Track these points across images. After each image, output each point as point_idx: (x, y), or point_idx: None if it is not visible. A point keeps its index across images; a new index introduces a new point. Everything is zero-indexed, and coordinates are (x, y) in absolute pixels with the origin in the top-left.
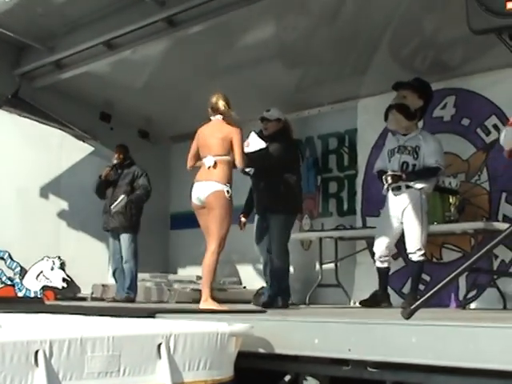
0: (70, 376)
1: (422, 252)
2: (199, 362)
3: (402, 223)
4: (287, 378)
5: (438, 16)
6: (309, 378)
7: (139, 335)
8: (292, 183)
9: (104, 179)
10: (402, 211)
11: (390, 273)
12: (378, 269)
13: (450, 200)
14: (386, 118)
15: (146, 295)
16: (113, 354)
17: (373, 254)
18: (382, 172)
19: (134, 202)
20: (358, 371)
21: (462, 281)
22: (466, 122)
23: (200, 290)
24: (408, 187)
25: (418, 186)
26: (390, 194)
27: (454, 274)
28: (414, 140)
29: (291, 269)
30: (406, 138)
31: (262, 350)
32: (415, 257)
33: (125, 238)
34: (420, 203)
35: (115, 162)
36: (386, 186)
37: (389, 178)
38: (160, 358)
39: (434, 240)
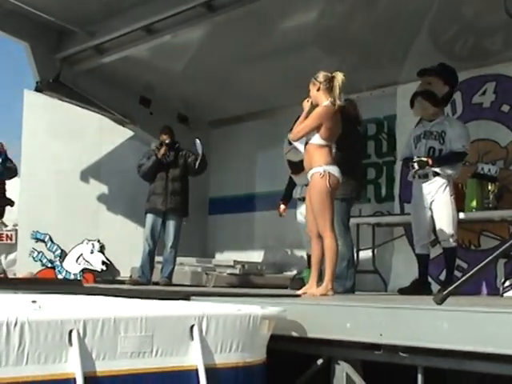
0: (103, 355)
1: (455, 238)
2: (231, 344)
3: (431, 210)
4: (319, 361)
5: (477, 1)
6: (341, 362)
7: (172, 316)
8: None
9: (160, 159)
10: (431, 198)
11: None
12: (418, 255)
13: (489, 187)
14: (411, 105)
15: (183, 279)
16: (146, 334)
17: (410, 241)
18: (408, 159)
19: (203, 161)
20: (390, 356)
21: (500, 269)
22: (505, 108)
23: (236, 275)
24: (436, 174)
25: (446, 172)
26: (418, 180)
27: (487, 260)
28: (440, 125)
29: None
30: (432, 123)
31: (294, 334)
32: (447, 243)
33: (175, 221)
34: (449, 189)
35: (167, 141)
36: (411, 173)
37: (415, 165)
38: (192, 339)
39: (472, 227)
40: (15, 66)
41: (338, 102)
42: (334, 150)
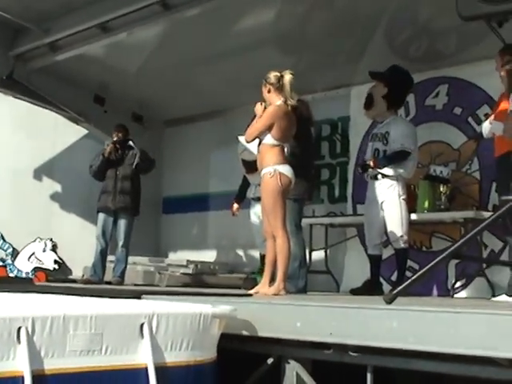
0: (52, 353)
1: (405, 239)
2: (182, 342)
3: (382, 210)
4: (270, 360)
5: (432, 4)
6: (291, 361)
7: (122, 314)
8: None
9: (107, 157)
10: (381, 199)
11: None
12: (370, 256)
13: (441, 189)
14: None
15: (135, 278)
16: (95, 332)
17: (363, 242)
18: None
19: (144, 160)
20: (340, 355)
21: (451, 270)
22: (458, 110)
23: (189, 274)
24: (384, 176)
25: (395, 172)
26: (370, 181)
27: (437, 260)
28: (386, 126)
29: None
30: (380, 125)
31: (245, 333)
32: (398, 244)
33: (125, 220)
34: (397, 190)
35: (115, 139)
36: (365, 174)
37: (359, 168)
38: (142, 337)
39: (423, 229)
40: None
41: (289, 101)
42: (286, 150)
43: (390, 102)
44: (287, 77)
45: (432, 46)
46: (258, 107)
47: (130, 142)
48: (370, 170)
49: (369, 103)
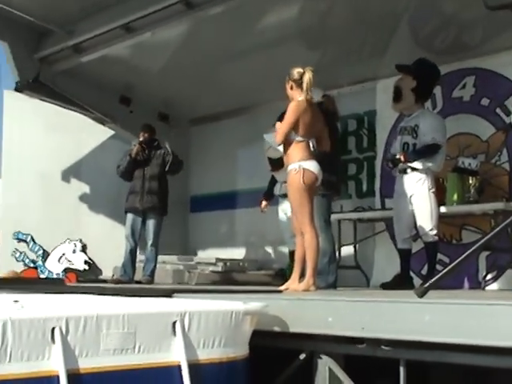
0: (85, 353)
1: (435, 232)
2: (214, 339)
3: (411, 204)
4: (302, 356)
5: None
6: (323, 357)
7: (154, 313)
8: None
9: (134, 158)
10: (410, 193)
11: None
12: (399, 250)
13: (470, 181)
14: None
15: (165, 277)
16: (128, 331)
17: (392, 236)
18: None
19: (175, 162)
20: (372, 349)
21: (482, 262)
22: (485, 101)
23: (218, 272)
24: (414, 169)
25: (424, 166)
26: (399, 175)
27: (468, 253)
28: (414, 119)
29: None
30: (408, 118)
31: (276, 329)
32: (428, 237)
33: (154, 220)
34: (427, 184)
35: (141, 139)
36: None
37: (389, 163)
38: (175, 335)
39: (453, 221)
40: None
41: (308, 97)
42: (312, 145)
43: (418, 95)
44: (307, 74)
45: (458, 37)
46: (278, 125)
47: (166, 145)
48: (400, 164)
49: (398, 96)
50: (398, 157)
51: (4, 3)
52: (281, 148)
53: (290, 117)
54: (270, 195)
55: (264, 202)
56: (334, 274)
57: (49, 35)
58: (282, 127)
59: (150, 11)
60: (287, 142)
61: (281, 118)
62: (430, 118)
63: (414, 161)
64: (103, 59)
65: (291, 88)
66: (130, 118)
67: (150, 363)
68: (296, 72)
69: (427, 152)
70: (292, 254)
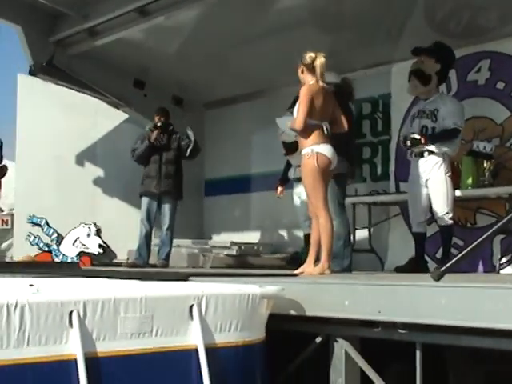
0: (103, 336)
1: (450, 215)
2: (231, 323)
3: (427, 187)
4: (318, 339)
5: None
6: (339, 340)
7: (171, 296)
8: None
9: (152, 143)
10: (426, 177)
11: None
12: (414, 234)
13: (485, 164)
14: None
15: (180, 261)
16: (145, 314)
17: (406, 220)
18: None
19: (195, 148)
20: (388, 333)
21: (496, 246)
22: (500, 85)
23: (233, 256)
24: (431, 152)
25: (441, 150)
26: (414, 159)
27: (484, 236)
28: (433, 103)
29: None
30: (426, 102)
31: (293, 312)
32: (443, 221)
33: (170, 204)
34: (443, 168)
35: (159, 124)
36: (409, 151)
37: (408, 142)
38: (192, 319)
39: (468, 205)
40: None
41: (320, 83)
42: (325, 128)
43: (440, 79)
44: (319, 59)
45: (472, 20)
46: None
47: (189, 131)
48: (418, 146)
49: (427, 80)
50: (418, 138)
51: None
52: (293, 133)
53: (303, 101)
54: (286, 180)
55: (280, 188)
56: (349, 258)
57: (63, 18)
58: (299, 114)
59: None
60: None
61: (294, 103)
62: (451, 103)
63: (433, 144)
64: (117, 42)
65: (302, 72)
66: (144, 101)
67: (168, 347)
68: (308, 57)
69: (448, 136)
70: (307, 237)
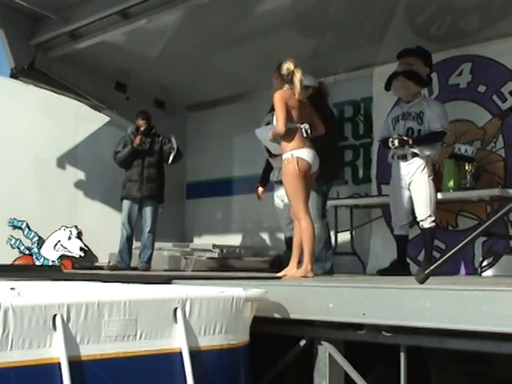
0: (87, 340)
1: (433, 218)
2: (215, 326)
3: (409, 190)
4: (302, 342)
5: None
6: (324, 343)
7: (155, 299)
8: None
9: (136, 147)
10: (409, 179)
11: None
12: (396, 237)
13: (466, 167)
14: (387, 87)
15: (162, 264)
16: (129, 318)
17: (388, 222)
18: (386, 140)
19: (177, 155)
20: (373, 335)
21: (478, 249)
22: (482, 88)
23: (215, 258)
24: (414, 155)
25: (425, 153)
26: (396, 161)
27: (468, 239)
28: (418, 106)
29: None
30: (409, 104)
31: (277, 315)
32: (426, 224)
33: (151, 207)
34: (427, 170)
35: (142, 128)
36: (391, 154)
37: (396, 142)
38: (176, 322)
39: (449, 207)
40: None
41: (297, 96)
42: (304, 131)
43: (428, 82)
44: (298, 75)
45: (454, 23)
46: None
47: (172, 138)
48: (399, 148)
49: (418, 80)
50: (405, 138)
51: None
52: (273, 144)
53: (279, 107)
54: (266, 181)
55: (260, 189)
56: (331, 261)
57: (44, 21)
58: (278, 120)
59: None
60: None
61: (272, 108)
62: (436, 106)
63: (421, 145)
64: (99, 45)
65: (276, 78)
66: (126, 104)
67: (152, 350)
68: (285, 68)
69: (435, 139)
70: (288, 240)
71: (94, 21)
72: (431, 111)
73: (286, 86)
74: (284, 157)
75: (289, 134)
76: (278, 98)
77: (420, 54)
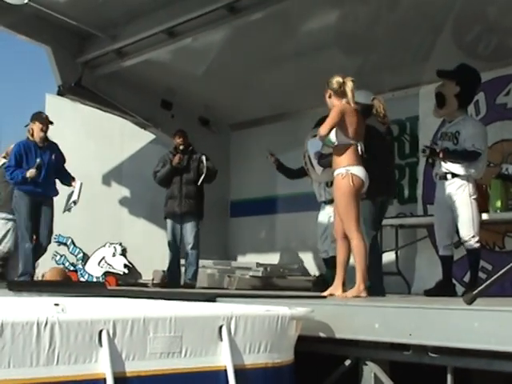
0: (132, 356)
1: (477, 239)
2: (260, 344)
3: (452, 211)
4: (347, 362)
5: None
6: (369, 363)
7: (201, 317)
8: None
9: (175, 166)
10: (451, 200)
11: None
12: (441, 257)
13: None
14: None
15: (205, 282)
16: (175, 334)
17: (433, 242)
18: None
19: (211, 174)
20: (419, 356)
21: None
22: None
23: (258, 277)
24: (454, 176)
25: (464, 172)
26: (439, 181)
27: None
28: (455, 126)
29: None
30: (449, 124)
31: (322, 334)
32: (470, 244)
33: (192, 224)
34: (468, 190)
35: (181, 147)
36: (434, 173)
37: (427, 150)
38: (221, 339)
39: (496, 228)
40: (36, 70)
41: (352, 106)
42: (360, 149)
43: (461, 101)
44: (349, 84)
45: (501, 42)
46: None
47: (203, 158)
48: (441, 169)
49: (441, 102)
50: (437, 150)
51: (47, 7)
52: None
53: (334, 114)
54: (284, 168)
55: (273, 158)
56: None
57: (92, 39)
58: (326, 123)
59: (194, 16)
60: (336, 146)
61: (319, 124)
62: (472, 126)
63: (450, 161)
64: (145, 63)
65: (329, 96)
66: (172, 122)
67: (196, 367)
68: (335, 81)
69: (466, 157)
70: (330, 259)
71: (140, 39)
72: (466, 131)
73: (343, 100)
74: (337, 172)
75: (344, 149)
76: (338, 108)
77: (450, 74)
